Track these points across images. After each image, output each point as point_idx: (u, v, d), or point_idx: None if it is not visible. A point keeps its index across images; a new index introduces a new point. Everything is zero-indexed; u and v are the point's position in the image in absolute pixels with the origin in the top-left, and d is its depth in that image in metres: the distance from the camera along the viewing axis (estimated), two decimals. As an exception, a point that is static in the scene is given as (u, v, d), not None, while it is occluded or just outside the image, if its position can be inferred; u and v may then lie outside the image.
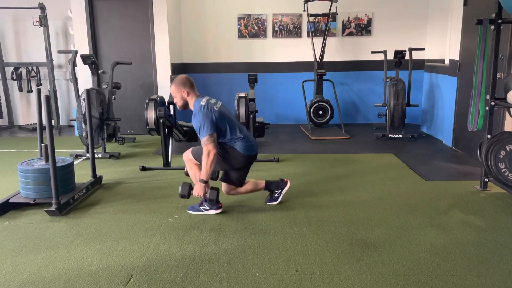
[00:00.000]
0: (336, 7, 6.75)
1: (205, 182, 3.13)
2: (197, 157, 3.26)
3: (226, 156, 3.23)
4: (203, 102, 3.15)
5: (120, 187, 4.01)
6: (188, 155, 3.38)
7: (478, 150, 3.77)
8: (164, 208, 3.44)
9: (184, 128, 5.01)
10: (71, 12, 6.34)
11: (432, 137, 6.11)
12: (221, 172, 3.49)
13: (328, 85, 6.82)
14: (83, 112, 4.68)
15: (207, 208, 3.33)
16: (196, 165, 3.33)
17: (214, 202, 3.25)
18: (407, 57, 6.11)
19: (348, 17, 7.06)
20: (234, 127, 3.23)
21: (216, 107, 3.18)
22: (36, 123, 4.72)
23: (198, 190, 3.15)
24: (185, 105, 3.24)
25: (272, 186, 3.50)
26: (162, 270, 2.47)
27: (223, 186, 3.42)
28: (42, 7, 6.40)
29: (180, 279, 2.37)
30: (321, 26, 7.10)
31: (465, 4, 5.06)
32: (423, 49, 6.40)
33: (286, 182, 3.52)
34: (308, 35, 7.05)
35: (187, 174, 3.53)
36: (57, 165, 3.31)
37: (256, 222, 3.13)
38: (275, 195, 3.50)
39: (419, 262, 2.52)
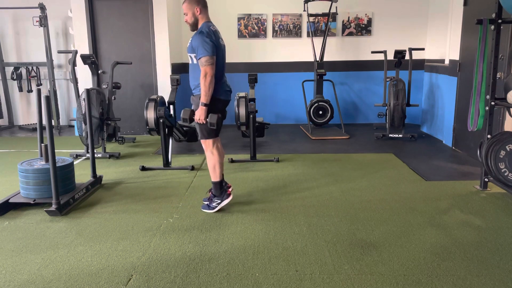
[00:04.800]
0: (336, 7, 6.75)
1: (206, 105, 3.07)
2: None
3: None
4: (213, 28, 3.15)
5: (120, 187, 4.01)
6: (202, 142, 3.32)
7: (478, 150, 3.77)
8: (164, 208, 3.44)
9: (184, 128, 5.01)
10: (71, 12, 6.34)
11: (432, 137, 6.11)
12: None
13: (328, 85, 6.82)
14: (83, 112, 4.68)
15: (219, 201, 3.32)
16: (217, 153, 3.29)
17: (215, 126, 3.11)
18: (407, 57, 6.11)
19: (348, 17, 7.06)
20: (221, 70, 3.21)
21: (222, 42, 3.19)
22: (36, 123, 4.72)
23: (199, 114, 3.10)
24: (196, 23, 3.18)
25: (217, 189, 3.32)
26: (162, 270, 2.47)
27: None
28: (42, 7, 6.40)
29: (180, 279, 2.37)
30: (321, 26, 7.10)
31: (465, 4, 5.06)
32: (423, 49, 6.40)
33: (229, 194, 3.34)
34: (308, 35, 7.05)
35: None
36: (57, 165, 3.31)
37: (256, 222, 3.13)
38: (214, 204, 3.33)
39: (419, 262, 2.52)
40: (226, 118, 3.43)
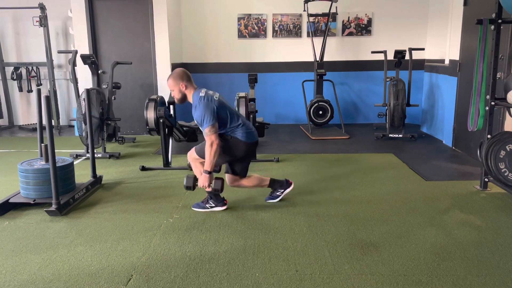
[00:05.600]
0: (336, 7, 6.75)
1: (209, 173, 3.12)
2: (201, 153, 3.26)
3: (227, 146, 3.22)
4: (202, 94, 3.16)
5: (120, 187, 4.01)
6: (192, 154, 3.39)
7: (478, 150, 3.77)
8: (164, 208, 3.44)
9: (184, 128, 5.01)
10: (71, 12, 6.34)
11: (432, 137, 6.11)
12: (223, 165, 3.48)
13: (328, 85, 6.82)
14: (83, 112, 4.68)
15: (213, 205, 3.35)
16: (201, 163, 3.32)
17: (220, 191, 3.22)
18: (407, 57, 6.10)
19: (348, 17, 7.06)
20: (234, 116, 3.24)
21: (216, 97, 3.20)
22: (36, 123, 4.72)
23: (202, 181, 3.15)
24: (183, 98, 3.23)
25: (276, 185, 3.51)
26: (162, 270, 2.47)
27: (227, 178, 3.40)
28: (42, 7, 6.40)
29: (180, 279, 2.37)
30: (321, 26, 7.10)
31: (465, 4, 5.06)
32: (423, 49, 6.41)
33: (290, 184, 3.54)
34: (308, 35, 7.05)
35: (190, 168, 3.59)
36: (57, 165, 3.31)
37: (256, 222, 3.13)
38: (276, 193, 3.52)
39: (419, 262, 2.52)
40: None
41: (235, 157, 3.29)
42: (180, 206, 3.49)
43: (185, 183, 3.25)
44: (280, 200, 3.52)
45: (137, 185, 4.09)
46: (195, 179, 3.25)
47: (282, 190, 3.51)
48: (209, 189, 3.21)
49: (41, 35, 6.67)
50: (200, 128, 3.18)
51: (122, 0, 6.31)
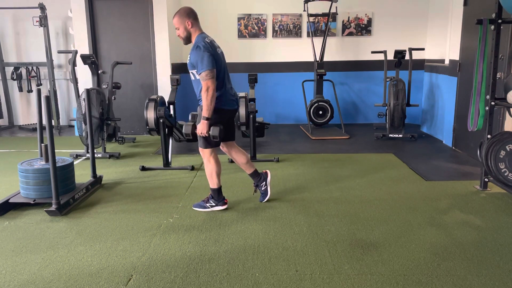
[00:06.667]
0: (336, 7, 6.75)
1: (208, 119, 3.05)
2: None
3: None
4: (208, 39, 3.12)
5: (120, 187, 4.01)
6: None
7: (478, 150, 3.77)
8: (164, 208, 3.44)
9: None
10: (71, 12, 6.34)
11: (432, 137, 6.11)
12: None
13: (328, 85, 6.82)
14: (83, 112, 4.68)
15: (213, 204, 3.35)
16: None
17: (218, 138, 3.11)
18: (407, 57, 6.11)
19: (348, 17, 7.06)
20: (223, 79, 3.18)
21: (219, 51, 3.17)
22: (36, 123, 4.72)
23: (201, 128, 3.09)
24: (188, 37, 3.16)
25: (256, 180, 3.53)
26: (162, 270, 2.47)
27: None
28: (42, 7, 6.40)
29: (180, 279, 2.37)
30: (321, 26, 7.10)
31: (465, 4, 5.06)
32: (423, 49, 6.40)
33: (266, 173, 3.56)
34: (308, 35, 7.05)
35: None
36: (57, 165, 3.31)
37: (256, 222, 3.13)
38: (263, 189, 3.52)
39: (419, 262, 2.52)
40: None
41: (214, 123, 3.14)
42: (180, 206, 3.49)
43: (184, 130, 3.23)
44: (270, 199, 3.54)
45: (137, 185, 4.09)
46: (194, 127, 3.18)
47: (264, 183, 3.51)
48: (207, 135, 3.11)
49: (41, 35, 6.67)
50: (194, 73, 3.10)
51: (122, 0, 6.31)
